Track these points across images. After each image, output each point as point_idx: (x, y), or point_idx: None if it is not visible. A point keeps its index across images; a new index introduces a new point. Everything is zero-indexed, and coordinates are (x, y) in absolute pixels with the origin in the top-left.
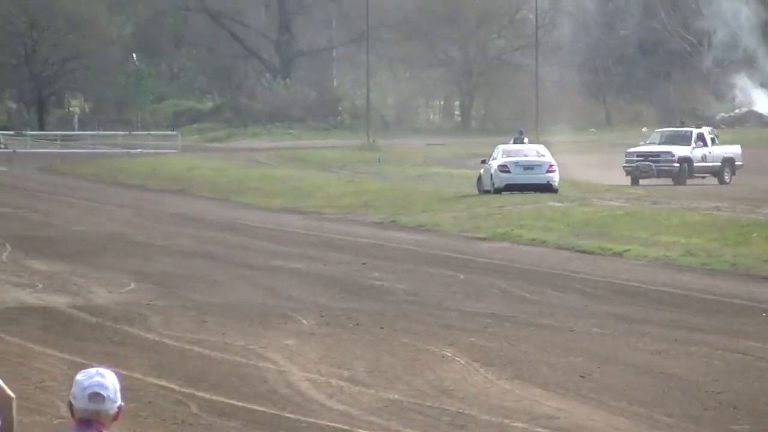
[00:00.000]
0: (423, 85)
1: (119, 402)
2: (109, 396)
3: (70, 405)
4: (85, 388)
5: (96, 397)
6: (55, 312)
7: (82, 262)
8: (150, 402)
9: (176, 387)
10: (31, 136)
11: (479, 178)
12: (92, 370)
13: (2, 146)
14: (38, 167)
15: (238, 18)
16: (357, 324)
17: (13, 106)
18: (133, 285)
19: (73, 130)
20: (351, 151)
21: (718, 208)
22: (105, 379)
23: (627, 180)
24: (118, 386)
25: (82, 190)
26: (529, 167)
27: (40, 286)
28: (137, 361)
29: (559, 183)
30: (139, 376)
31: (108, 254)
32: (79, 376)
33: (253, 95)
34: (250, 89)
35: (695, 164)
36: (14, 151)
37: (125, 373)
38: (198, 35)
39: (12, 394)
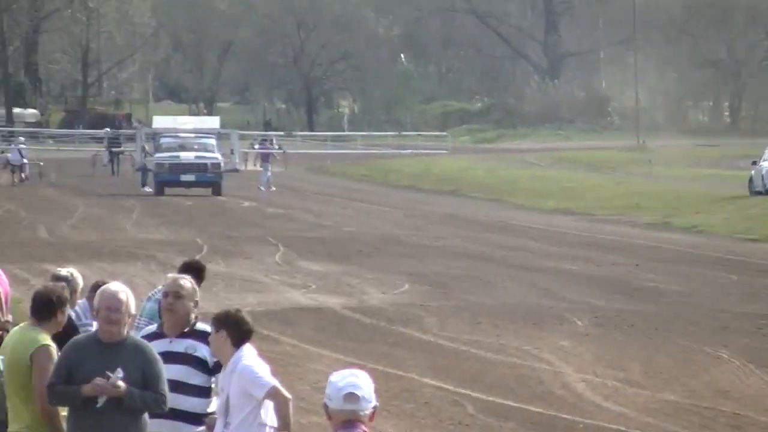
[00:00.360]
0: (691, 86)
1: (374, 402)
2: (364, 396)
3: (326, 406)
4: (340, 389)
5: (351, 397)
6: (329, 313)
7: (355, 262)
8: (426, 403)
9: (452, 388)
10: (301, 136)
11: (750, 180)
12: (346, 371)
13: (277, 147)
14: (308, 168)
15: (504, 19)
16: (631, 325)
17: (282, 106)
18: (406, 286)
19: (343, 130)
20: (621, 152)
21: None
22: (359, 379)
23: None
24: (372, 386)
25: (353, 191)
26: None
27: (314, 287)
28: (413, 362)
29: None
30: (415, 377)
31: (380, 255)
32: (333, 377)
33: (522, 96)
34: (519, 90)
35: None
36: (285, 152)
37: (401, 374)
38: (465, 36)
39: (288, 395)
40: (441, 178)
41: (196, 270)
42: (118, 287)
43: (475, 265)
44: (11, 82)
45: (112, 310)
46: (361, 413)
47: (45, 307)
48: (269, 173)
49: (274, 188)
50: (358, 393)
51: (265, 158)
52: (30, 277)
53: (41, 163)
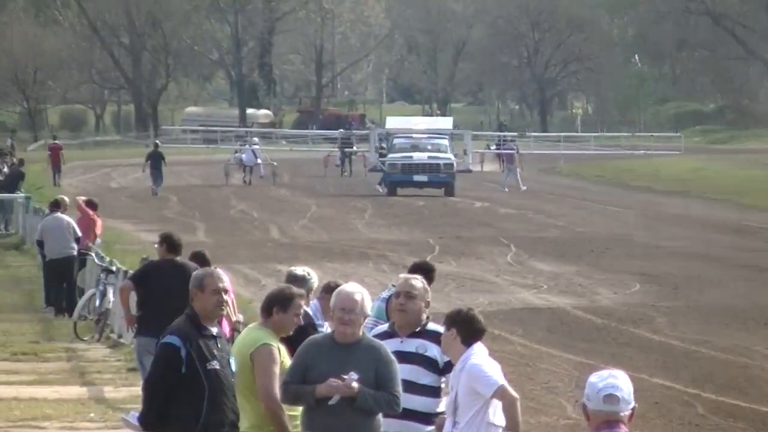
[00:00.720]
0: None
1: (633, 403)
2: (623, 397)
3: (584, 407)
4: (600, 389)
5: (611, 398)
6: (561, 313)
7: (587, 263)
8: (656, 402)
9: (682, 388)
10: (534, 137)
11: None
12: (605, 372)
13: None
14: (541, 168)
15: (740, 20)
16: None
17: (515, 107)
18: (637, 286)
19: (576, 131)
20: None
21: None
22: (618, 380)
23: None
24: (631, 387)
25: (586, 191)
26: None
27: (545, 287)
28: (643, 362)
29: None
30: (646, 377)
31: (611, 255)
32: (593, 378)
33: (756, 97)
34: (753, 91)
35: None
36: (519, 153)
37: (631, 373)
38: (700, 37)
39: (516, 395)
40: (673, 179)
41: (425, 270)
42: (353, 288)
43: (706, 266)
44: (245, 83)
45: (347, 311)
46: (621, 414)
47: (268, 306)
48: (516, 172)
49: (524, 187)
50: (618, 394)
51: (509, 159)
52: (261, 277)
53: (275, 164)
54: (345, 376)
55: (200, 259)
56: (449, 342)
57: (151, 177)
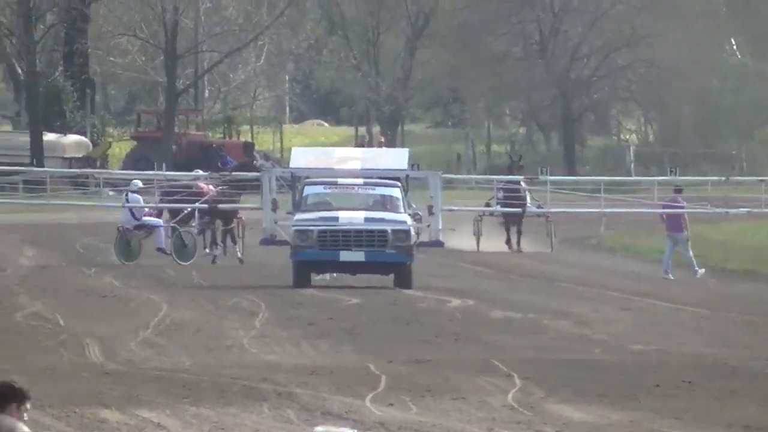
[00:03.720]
0: None
1: None
2: None
3: None
4: None
5: None
6: None
7: (649, 407)
8: None
9: None
10: (553, 183)
11: None
12: None
13: None
14: (565, 239)
15: None
16: None
17: (520, 129)
18: None
19: (627, 173)
20: None
21: None
22: None
23: None
24: None
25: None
26: None
27: None
28: None
29: None
30: None
31: (696, 394)
32: None
33: None
34: None
35: None
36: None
37: None
38: None
39: None
40: None
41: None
42: None
43: None
44: (41, 88)
45: None
46: None
47: None
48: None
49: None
50: None
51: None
52: None
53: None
54: None
55: None
56: None
57: None
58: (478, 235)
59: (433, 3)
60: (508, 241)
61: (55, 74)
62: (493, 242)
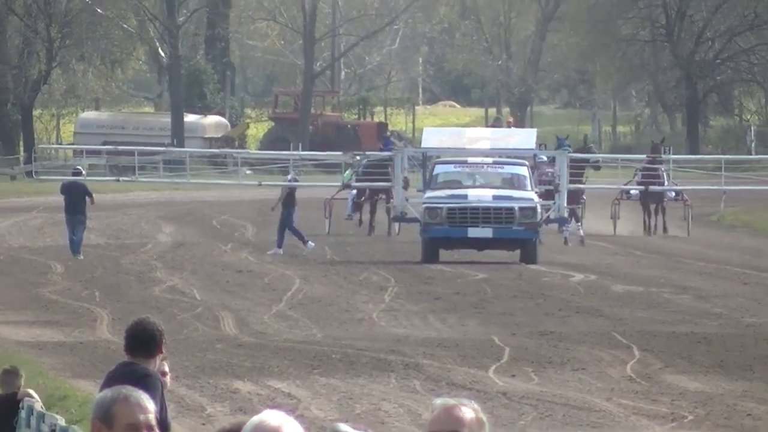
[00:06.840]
0: None
1: None
2: None
3: None
4: None
5: None
6: None
7: (763, 377)
8: None
9: None
10: (676, 161)
11: None
12: None
13: None
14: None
15: None
16: None
17: (645, 110)
18: None
19: (748, 151)
20: None
21: None
22: None
23: None
24: None
25: (764, 255)
26: None
27: (691, 418)
28: None
29: None
30: None
31: None
32: None
33: None
34: None
35: None
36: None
37: None
38: None
39: None
40: None
41: None
42: (275, 419)
43: None
44: (182, 70)
45: None
46: None
47: None
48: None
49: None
50: None
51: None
52: (206, 402)
53: None
54: None
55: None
56: None
57: (66, 225)
58: (615, 218)
59: None
60: (647, 228)
61: (197, 57)
62: (631, 226)
